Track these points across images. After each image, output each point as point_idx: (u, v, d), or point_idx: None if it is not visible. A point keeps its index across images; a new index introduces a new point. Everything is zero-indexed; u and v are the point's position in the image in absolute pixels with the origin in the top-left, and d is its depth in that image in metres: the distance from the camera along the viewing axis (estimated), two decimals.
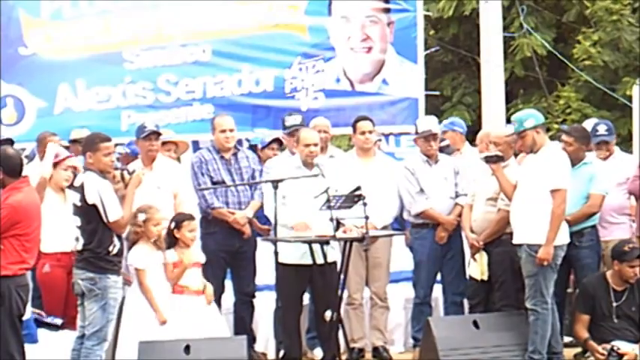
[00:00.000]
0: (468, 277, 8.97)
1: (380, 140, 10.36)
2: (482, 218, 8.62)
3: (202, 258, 8.36)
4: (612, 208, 8.90)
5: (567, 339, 8.86)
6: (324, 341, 8.44)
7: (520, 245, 8.06)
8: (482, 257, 8.59)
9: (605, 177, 8.72)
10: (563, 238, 8.06)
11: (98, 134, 7.72)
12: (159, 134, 8.91)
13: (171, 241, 8.21)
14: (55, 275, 8.30)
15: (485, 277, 8.60)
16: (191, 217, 8.31)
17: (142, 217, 7.98)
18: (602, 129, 9.17)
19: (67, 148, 9.26)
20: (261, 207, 8.85)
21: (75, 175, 7.94)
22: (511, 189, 8.26)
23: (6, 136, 9.91)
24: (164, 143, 9.13)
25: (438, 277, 9.21)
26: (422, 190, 9.07)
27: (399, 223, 9.51)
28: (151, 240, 8.05)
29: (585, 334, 8.39)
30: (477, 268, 8.65)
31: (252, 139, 10.26)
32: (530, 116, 8.17)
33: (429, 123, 9.33)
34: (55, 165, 8.41)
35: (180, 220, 8.26)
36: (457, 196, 9.11)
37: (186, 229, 8.20)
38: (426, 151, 9.16)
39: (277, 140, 9.90)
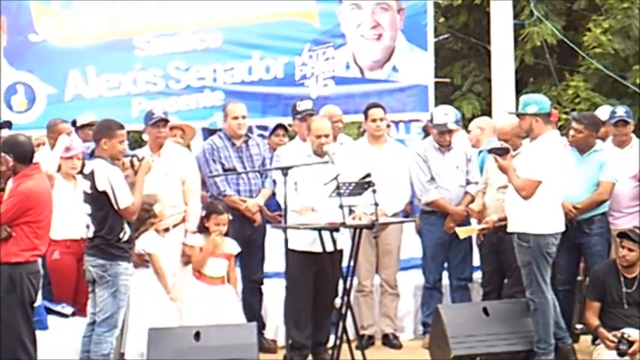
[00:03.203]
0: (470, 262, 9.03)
1: (389, 127, 10.34)
2: (494, 206, 8.59)
3: (235, 250, 8.44)
4: (626, 197, 8.88)
5: (578, 326, 8.88)
6: (317, 327, 8.46)
7: (512, 234, 8.03)
8: (474, 231, 8.71)
9: (616, 164, 8.69)
10: (557, 226, 7.97)
11: (113, 121, 7.63)
12: (167, 121, 8.91)
13: (202, 227, 8.37)
14: (64, 262, 8.35)
15: (461, 237, 8.70)
16: (220, 212, 8.38)
17: (158, 207, 8.07)
18: (620, 110, 9.10)
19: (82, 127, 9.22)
20: (272, 195, 8.88)
21: (84, 162, 7.96)
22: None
23: (6, 119, 9.78)
24: (170, 128, 9.11)
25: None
26: (433, 179, 9.07)
27: (411, 210, 9.53)
28: (156, 226, 8.17)
29: (596, 322, 8.34)
30: (465, 231, 8.73)
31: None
32: (534, 102, 8.05)
33: (445, 116, 9.19)
34: (65, 158, 8.47)
35: (209, 211, 8.41)
36: (468, 183, 9.12)
37: (213, 221, 8.33)
38: (439, 142, 9.16)
39: (282, 126, 9.90)
